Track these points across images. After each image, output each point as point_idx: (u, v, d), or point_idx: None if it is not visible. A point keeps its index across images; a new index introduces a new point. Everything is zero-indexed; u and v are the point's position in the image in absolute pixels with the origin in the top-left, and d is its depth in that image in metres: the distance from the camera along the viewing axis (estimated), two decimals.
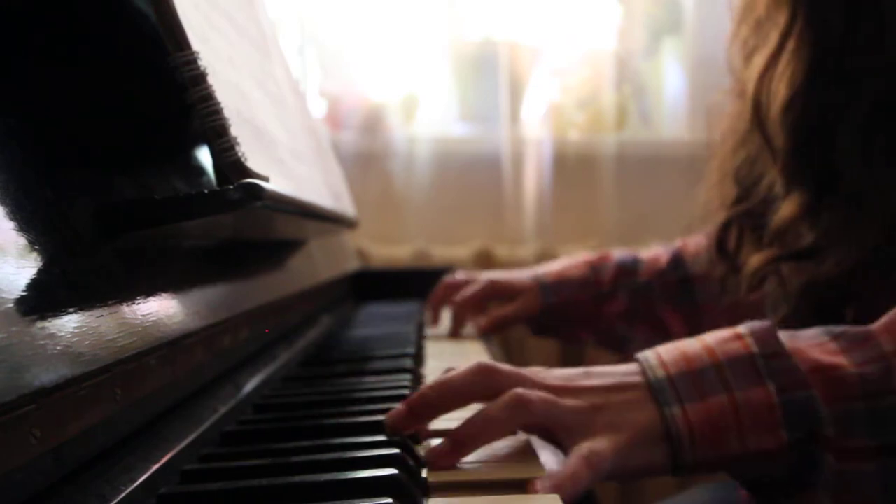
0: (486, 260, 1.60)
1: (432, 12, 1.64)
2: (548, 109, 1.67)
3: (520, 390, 0.50)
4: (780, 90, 0.70)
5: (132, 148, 0.54)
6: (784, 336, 0.53)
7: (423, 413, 0.52)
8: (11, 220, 0.36)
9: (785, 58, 0.70)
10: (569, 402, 0.51)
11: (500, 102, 1.65)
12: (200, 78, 0.45)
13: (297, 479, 0.43)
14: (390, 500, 0.40)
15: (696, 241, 1.07)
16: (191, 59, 0.45)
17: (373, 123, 1.65)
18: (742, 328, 0.54)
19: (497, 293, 1.11)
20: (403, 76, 1.66)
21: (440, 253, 1.62)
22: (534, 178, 1.65)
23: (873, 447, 0.50)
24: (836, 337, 0.53)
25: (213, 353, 0.56)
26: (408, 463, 0.47)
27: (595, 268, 1.11)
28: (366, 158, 1.63)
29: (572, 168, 1.67)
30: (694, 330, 0.98)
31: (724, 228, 0.85)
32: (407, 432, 0.51)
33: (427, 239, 1.63)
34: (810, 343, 0.53)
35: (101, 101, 0.52)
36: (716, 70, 1.77)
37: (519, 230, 1.65)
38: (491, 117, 1.68)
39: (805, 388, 0.50)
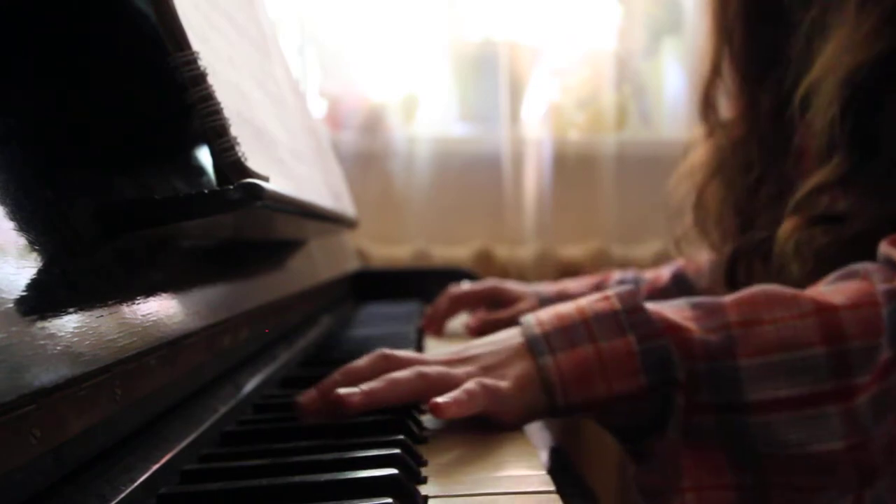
0: (486, 260, 1.60)
1: (432, 12, 1.64)
2: (548, 109, 1.67)
3: (419, 367, 0.57)
4: (845, 60, 0.70)
5: (132, 148, 0.54)
6: (649, 303, 0.60)
7: (329, 395, 0.56)
8: (11, 220, 0.36)
9: (863, 28, 0.71)
10: (461, 368, 0.59)
11: (500, 102, 1.65)
12: (200, 78, 0.45)
13: (297, 479, 0.43)
14: (390, 500, 0.40)
15: (695, 259, 1.07)
16: (191, 59, 0.45)
17: (373, 123, 1.65)
18: (609, 291, 0.61)
19: (496, 296, 1.11)
20: (403, 76, 1.66)
21: (440, 253, 1.62)
22: (534, 178, 1.65)
23: (713, 404, 0.57)
24: (693, 306, 0.60)
25: (213, 353, 0.56)
26: (408, 463, 0.47)
27: (597, 287, 1.10)
28: (366, 158, 1.63)
29: (572, 168, 1.67)
30: None
31: (734, 260, 0.86)
32: (315, 414, 0.56)
33: (427, 239, 1.63)
34: (670, 308, 0.60)
35: (101, 101, 0.52)
36: None
37: (519, 230, 1.65)
38: (491, 117, 1.68)
39: (660, 336, 0.57)
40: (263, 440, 0.54)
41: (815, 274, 0.67)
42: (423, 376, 0.57)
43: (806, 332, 0.57)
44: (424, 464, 0.50)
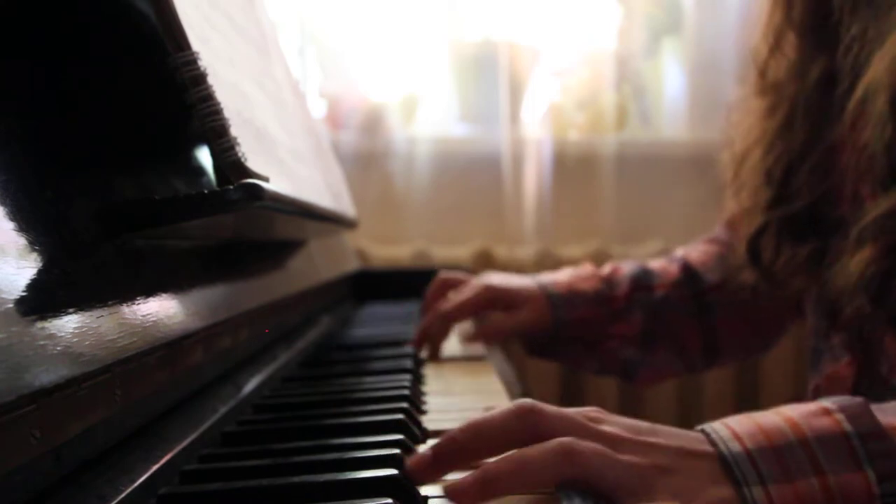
0: (486, 260, 1.60)
1: (432, 13, 1.64)
2: (548, 110, 1.67)
3: (570, 438, 0.43)
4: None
5: (132, 148, 0.54)
6: (877, 409, 0.46)
7: (451, 460, 0.46)
8: (11, 220, 0.36)
9: None
10: (627, 457, 0.44)
11: (500, 103, 1.65)
12: (200, 78, 0.45)
13: (296, 479, 0.43)
14: (390, 501, 0.40)
15: (700, 250, 1.01)
16: (191, 60, 0.45)
17: (373, 124, 1.65)
18: (827, 402, 0.47)
19: (494, 301, 0.95)
20: (403, 76, 1.66)
21: (440, 253, 1.62)
22: (534, 178, 1.65)
23: None
24: None
25: (213, 354, 0.56)
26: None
27: (608, 282, 0.97)
28: (366, 159, 1.63)
29: (572, 168, 1.67)
30: (710, 350, 0.92)
31: (759, 235, 0.78)
32: (429, 482, 0.45)
33: (427, 239, 1.63)
34: None
35: (101, 102, 0.52)
36: (716, 70, 1.77)
37: (519, 230, 1.65)
38: (491, 118, 1.68)
39: None
40: (263, 440, 0.54)
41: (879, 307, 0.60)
42: (571, 454, 0.42)
43: None
44: None
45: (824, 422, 0.45)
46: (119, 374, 0.39)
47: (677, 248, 1.04)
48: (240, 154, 0.47)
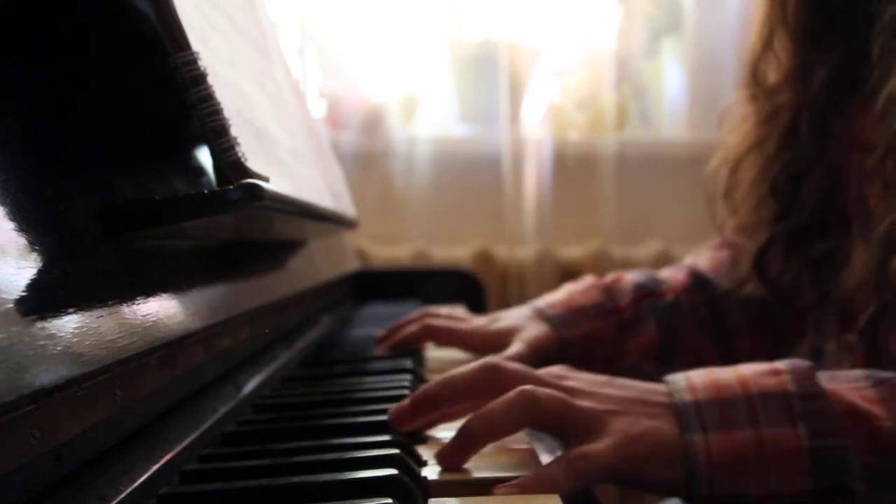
0: (486, 260, 1.61)
1: (432, 13, 1.64)
2: (548, 110, 1.67)
3: (529, 387, 0.48)
4: None
5: (132, 148, 0.54)
6: (823, 376, 0.51)
7: (426, 409, 0.52)
8: (11, 220, 0.36)
9: None
10: (583, 402, 0.49)
11: (500, 103, 1.65)
12: (201, 78, 0.45)
13: (296, 479, 0.43)
14: (390, 501, 0.40)
15: (709, 257, 0.97)
16: (191, 60, 0.45)
17: (373, 124, 1.65)
18: (781, 364, 0.52)
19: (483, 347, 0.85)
20: (403, 76, 1.66)
21: (440, 253, 1.62)
22: (534, 178, 1.65)
23: None
24: (877, 383, 0.51)
25: (213, 354, 0.56)
26: (408, 463, 0.47)
27: (609, 292, 0.91)
28: (366, 159, 1.63)
29: (572, 168, 1.67)
30: (726, 356, 0.90)
31: (766, 249, 0.77)
32: (410, 427, 0.51)
33: (427, 239, 1.63)
34: (849, 386, 0.50)
35: (101, 102, 0.52)
36: (716, 70, 1.77)
37: (519, 230, 1.65)
38: (491, 118, 1.68)
39: (839, 436, 0.48)
40: (263, 440, 0.54)
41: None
42: (531, 401, 0.47)
43: None
44: (424, 464, 0.49)
45: (771, 381, 0.50)
46: (119, 374, 0.39)
47: (677, 248, 1.03)
48: (240, 154, 0.47)
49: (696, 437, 0.48)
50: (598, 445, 0.47)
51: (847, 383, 0.51)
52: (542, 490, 0.43)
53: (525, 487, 0.43)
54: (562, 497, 0.43)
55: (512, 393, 0.48)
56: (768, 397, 0.49)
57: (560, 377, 0.52)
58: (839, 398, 0.49)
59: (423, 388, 0.52)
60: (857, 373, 0.53)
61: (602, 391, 0.51)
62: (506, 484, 0.43)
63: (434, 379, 0.53)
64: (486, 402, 0.49)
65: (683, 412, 0.49)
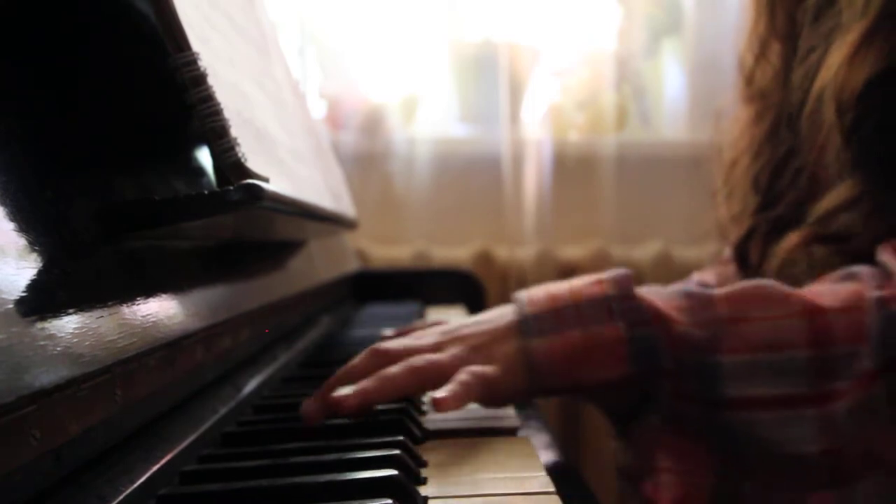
0: (486, 261, 1.60)
1: (432, 13, 1.64)
2: (548, 110, 1.67)
3: (410, 360, 0.57)
4: (855, 77, 0.68)
5: (132, 149, 0.54)
6: (644, 289, 0.60)
7: (329, 399, 0.56)
8: (11, 220, 0.36)
9: (876, 43, 0.68)
10: (451, 350, 0.59)
11: (500, 103, 1.65)
12: (201, 79, 0.45)
13: (296, 479, 0.43)
14: (390, 501, 0.40)
15: (715, 272, 0.99)
16: (191, 60, 0.45)
17: (373, 124, 1.65)
18: (604, 274, 0.61)
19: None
20: (403, 77, 1.66)
21: (440, 254, 1.62)
22: (534, 178, 1.65)
23: (695, 396, 0.57)
24: (686, 296, 0.60)
25: (212, 354, 0.56)
26: (407, 463, 0.47)
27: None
28: (366, 159, 1.63)
29: (572, 169, 1.67)
30: None
31: (747, 239, 0.83)
32: (318, 419, 0.55)
33: (427, 240, 1.63)
34: (662, 297, 0.60)
35: (101, 102, 0.52)
36: (716, 70, 1.77)
37: (519, 231, 1.65)
38: (491, 118, 1.68)
39: (649, 326, 0.57)
40: (263, 441, 0.54)
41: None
42: (414, 371, 0.57)
43: (792, 333, 0.57)
44: (424, 464, 0.50)
45: (595, 289, 0.60)
46: (119, 375, 0.39)
47: (677, 248, 1.02)
48: (240, 154, 0.47)
49: (534, 342, 0.58)
50: (479, 369, 0.57)
51: (660, 295, 0.60)
52: (465, 394, 0.54)
53: (453, 397, 0.53)
54: (562, 498, 0.43)
55: (401, 364, 0.57)
56: (592, 302, 0.59)
57: (424, 335, 0.62)
58: (649, 303, 0.58)
59: (326, 382, 0.58)
60: (675, 287, 0.62)
61: (461, 333, 0.61)
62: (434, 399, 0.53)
63: (335, 372, 0.59)
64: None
65: (524, 323, 0.59)
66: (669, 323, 0.58)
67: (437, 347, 0.60)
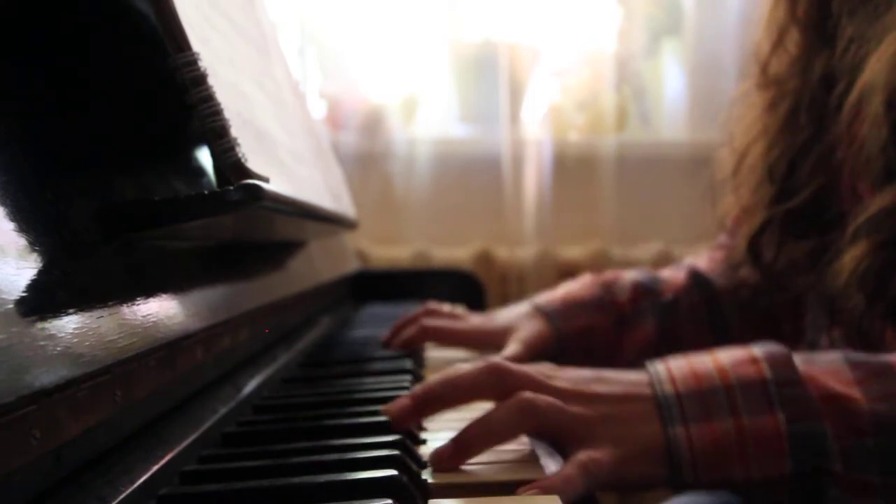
0: (486, 261, 1.60)
1: (432, 13, 1.64)
2: (548, 110, 1.67)
3: (529, 394, 0.50)
4: (890, 77, 0.63)
5: (132, 148, 0.54)
6: (799, 360, 0.52)
7: (426, 407, 0.52)
8: (11, 220, 0.36)
9: None
10: (576, 409, 0.51)
11: (500, 103, 1.65)
12: (201, 79, 0.45)
13: (296, 480, 0.43)
14: (390, 501, 0.40)
15: (707, 257, 0.97)
16: (191, 60, 0.45)
17: (373, 124, 1.65)
18: (757, 350, 0.53)
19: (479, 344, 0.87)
20: (403, 77, 1.66)
21: (440, 254, 1.62)
22: (534, 179, 1.65)
23: (882, 485, 0.49)
24: (855, 366, 0.52)
25: (212, 354, 0.56)
26: (408, 464, 0.47)
27: (607, 286, 0.92)
28: (366, 159, 1.63)
29: (572, 169, 1.67)
30: None
31: (760, 233, 0.78)
32: (408, 425, 0.51)
33: (427, 240, 1.63)
34: (826, 370, 0.52)
35: (101, 102, 0.52)
36: (716, 71, 1.77)
37: (519, 231, 1.65)
38: (491, 118, 1.68)
39: (816, 419, 0.49)
40: (263, 441, 0.54)
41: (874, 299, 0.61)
42: (531, 410, 0.49)
43: None
44: (424, 465, 0.49)
45: (749, 369, 0.52)
46: (119, 375, 0.39)
47: (677, 248, 1.02)
48: (240, 155, 0.47)
49: (679, 430, 0.50)
50: (600, 453, 0.49)
51: (824, 367, 0.52)
52: (563, 491, 0.44)
53: (548, 488, 0.44)
54: (563, 499, 0.43)
55: (512, 401, 0.50)
56: (746, 386, 0.51)
57: (551, 377, 0.54)
58: (816, 383, 0.51)
59: (425, 385, 0.52)
60: (834, 355, 0.54)
61: (591, 390, 0.53)
62: (529, 486, 0.44)
63: (435, 377, 0.53)
64: (484, 401, 0.51)
65: (665, 405, 0.51)
66: (844, 402, 0.50)
67: (561, 393, 0.52)
